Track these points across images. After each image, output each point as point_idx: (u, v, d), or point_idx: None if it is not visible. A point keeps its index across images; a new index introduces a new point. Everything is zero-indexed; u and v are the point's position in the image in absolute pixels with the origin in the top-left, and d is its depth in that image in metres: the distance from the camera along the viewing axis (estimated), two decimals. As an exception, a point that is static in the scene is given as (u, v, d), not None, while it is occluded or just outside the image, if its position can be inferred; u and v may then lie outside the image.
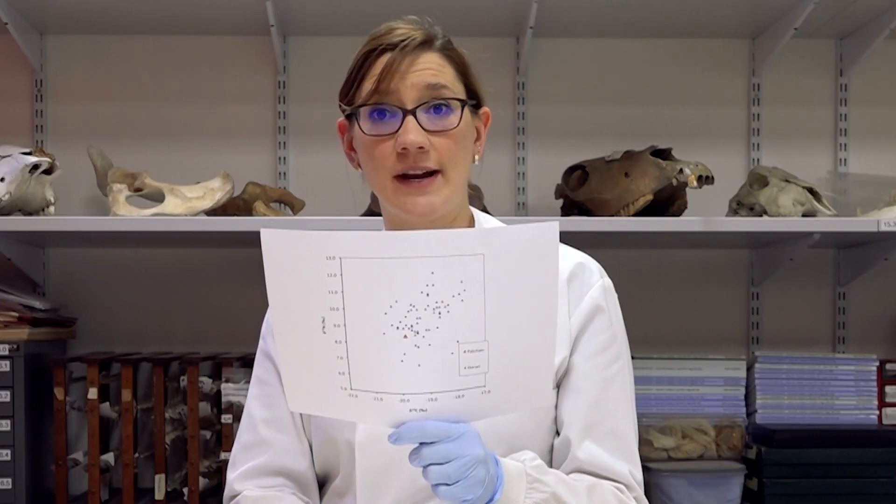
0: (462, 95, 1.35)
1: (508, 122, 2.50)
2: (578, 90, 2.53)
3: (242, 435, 1.44)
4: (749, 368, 2.39)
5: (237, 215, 2.28)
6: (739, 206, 2.31)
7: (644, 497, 1.35)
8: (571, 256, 1.40)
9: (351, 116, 1.36)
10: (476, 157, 1.40)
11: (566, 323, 1.35)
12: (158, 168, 2.33)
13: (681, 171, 2.16)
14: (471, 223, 1.42)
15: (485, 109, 1.41)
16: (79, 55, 2.50)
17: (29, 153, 2.19)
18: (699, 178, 2.15)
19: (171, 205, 2.18)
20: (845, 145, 2.54)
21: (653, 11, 2.36)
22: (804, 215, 2.22)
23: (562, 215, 2.37)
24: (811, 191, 2.24)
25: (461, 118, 1.33)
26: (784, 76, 2.54)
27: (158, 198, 2.22)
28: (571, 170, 2.37)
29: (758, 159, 2.52)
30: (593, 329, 1.36)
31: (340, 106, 1.39)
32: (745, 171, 2.50)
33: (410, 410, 1.13)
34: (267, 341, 1.45)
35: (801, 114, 2.55)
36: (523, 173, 2.51)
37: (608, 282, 1.40)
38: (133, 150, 2.45)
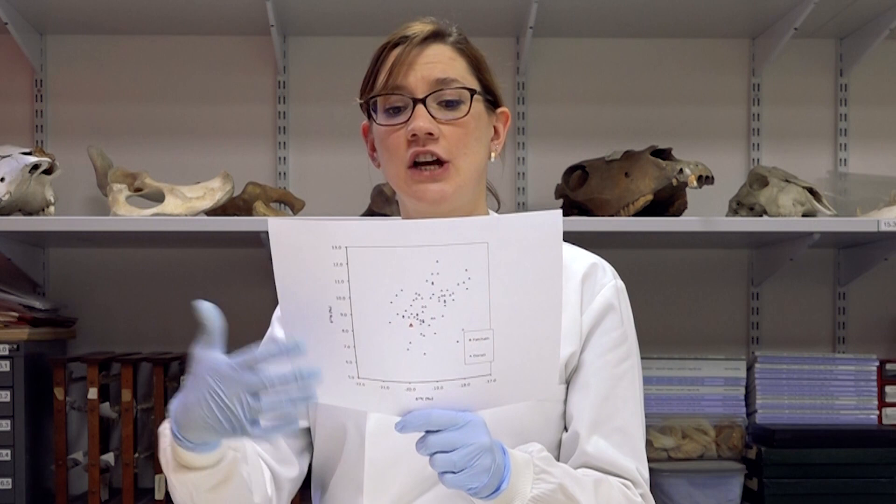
0: (474, 87, 1.37)
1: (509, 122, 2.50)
2: (578, 90, 2.54)
3: None
4: (749, 368, 2.39)
5: (237, 215, 2.28)
6: (739, 206, 2.31)
7: (650, 494, 1.37)
8: (585, 257, 1.42)
9: (369, 113, 1.39)
10: (493, 154, 1.42)
11: (578, 319, 1.36)
12: (158, 168, 2.33)
13: (681, 171, 2.16)
14: None
15: (503, 109, 1.43)
16: (79, 55, 2.50)
17: (29, 153, 2.19)
18: (699, 178, 2.15)
19: (171, 205, 2.18)
20: (845, 145, 2.54)
21: (653, 11, 2.36)
22: (804, 215, 2.22)
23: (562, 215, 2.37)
24: (811, 191, 2.24)
25: (470, 107, 1.35)
26: (784, 76, 2.54)
27: (158, 198, 2.22)
28: (571, 170, 2.37)
29: (758, 159, 2.53)
30: (604, 327, 1.37)
31: (359, 101, 1.42)
32: (745, 171, 2.50)
33: (417, 399, 1.14)
34: (275, 328, 1.46)
35: (801, 114, 2.55)
36: (523, 173, 2.52)
37: (621, 283, 1.42)
38: (133, 150, 2.45)
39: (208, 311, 1.19)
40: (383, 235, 1.09)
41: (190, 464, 1.23)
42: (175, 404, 1.20)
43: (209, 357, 1.16)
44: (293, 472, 1.42)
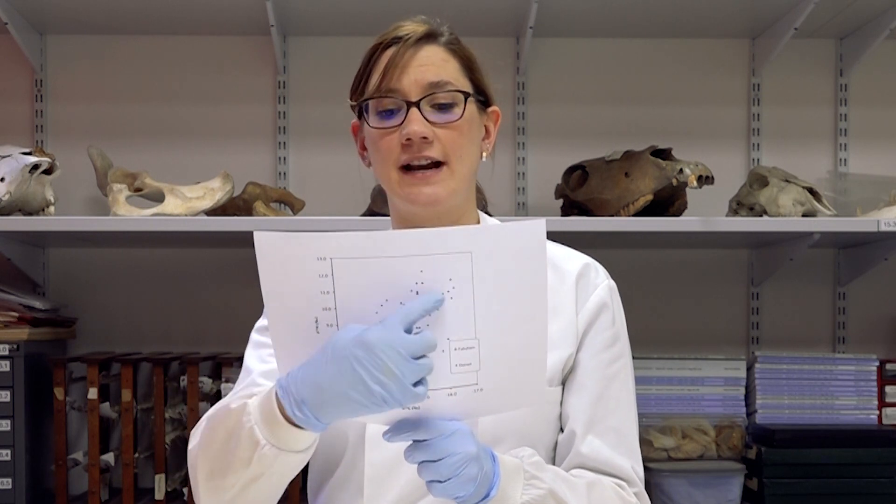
0: (467, 89, 1.36)
1: (508, 122, 2.50)
2: (578, 90, 2.54)
3: (237, 387, 1.41)
4: (749, 368, 2.39)
5: (237, 215, 2.28)
6: (739, 206, 2.31)
7: (645, 492, 1.37)
8: (578, 258, 1.42)
9: (361, 114, 1.38)
10: (485, 154, 1.42)
11: (574, 321, 1.37)
12: (158, 168, 2.33)
13: (681, 171, 2.16)
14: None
15: (494, 108, 1.43)
16: (79, 55, 2.50)
17: (29, 153, 2.19)
18: (699, 178, 2.15)
19: (171, 205, 2.18)
20: (845, 145, 2.54)
21: (653, 11, 2.36)
22: (804, 215, 2.22)
23: (562, 215, 2.37)
24: (811, 191, 2.24)
25: (464, 110, 1.34)
26: (784, 76, 2.54)
27: (158, 198, 2.22)
28: (571, 170, 2.37)
29: (758, 159, 2.53)
30: (598, 327, 1.38)
31: (350, 103, 1.41)
32: (745, 171, 2.50)
33: (404, 408, 1.14)
34: (258, 341, 1.46)
35: (801, 114, 2.55)
36: (523, 173, 2.52)
37: (613, 283, 1.43)
38: (133, 150, 2.45)
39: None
40: (367, 246, 1.10)
41: (297, 446, 1.18)
42: (300, 383, 1.13)
43: (349, 327, 1.11)
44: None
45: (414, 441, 1.15)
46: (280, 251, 1.13)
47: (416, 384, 1.10)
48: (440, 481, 1.14)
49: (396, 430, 1.15)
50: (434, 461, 1.14)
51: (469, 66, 1.38)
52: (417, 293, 1.10)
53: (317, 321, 1.13)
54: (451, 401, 1.15)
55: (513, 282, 1.12)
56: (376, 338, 1.08)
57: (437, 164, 1.33)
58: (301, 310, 1.13)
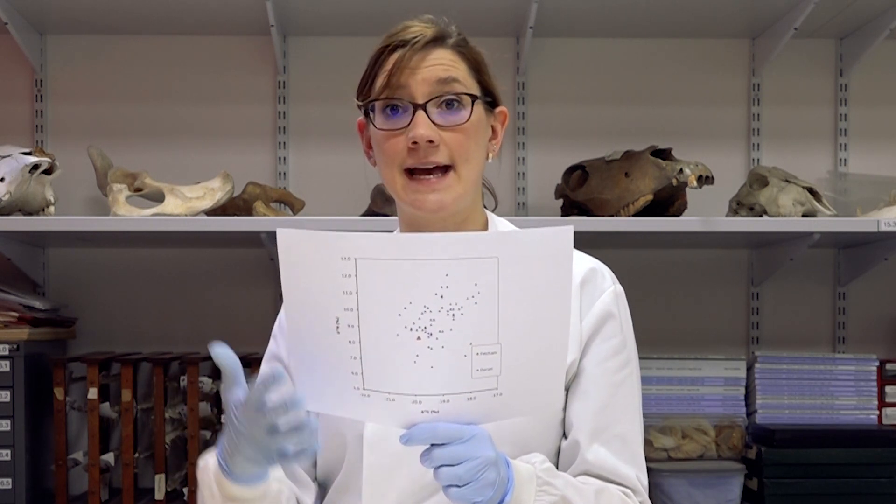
0: (475, 91, 1.35)
1: (509, 122, 2.49)
2: (578, 90, 2.54)
3: None
4: (749, 368, 2.39)
5: (237, 215, 2.28)
6: (739, 206, 2.31)
7: (649, 501, 1.36)
8: (584, 261, 1.40)
9: (367, 113, 1.37)
10: (491, 155, 1.41)
11: (577, 326, 1.35)
12: (158, 168, 2.33)
13: (681, 171, 2.16)
14: (484, 225, 1.43)
15: (501, 108, 1.42)
16: (79, 55, 2.50)
17: (29, 153, 2.19)
18: (699, 178, 2.15)
19: (171, 205, 2.18)
20: (845, 145, 2.54)
21: (653, 11, 2.36)
22: (804, 215, 2.22)
23: (561, 215, 2.37)
24: (811, 191, 2.24)
25: (472, 112, 1.33)
26: (784, 76, 2.54)
27: (158, 198, 2.22)
28: (571, 170, 2.37)
29: (758, 159, 2.53)
30: (604, 334, 1.37)
31: (357, 103, 1.40)
32: (745, 171, 2.50)
33: (422, 412, 1.13)
34: (278, 342, 1.45)
35: (801, 114, 2.55)
36: (523, 173, 2.52)
37: (619, 288, 1.41)
38: (133, 150, 2.45)
39: (221, 355, 1.18)
40: (393, 248, 1.09)
41: (238, 496, 1.24)
42: (220, 443, 1.23)
43: (229, 399, 1.19)
44: (311, 494, 1.43)
45: (431, 445, 1.14)
46: (303, 249, 1.12)
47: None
48: (458, 486, 1.13)
49: (414, 434, 1.13)
50: (452, 465, 1.13)
51: (477, 68, 1.37)
52: (442, 297, 1.09)
53: (338, 321, 1.12)
54: (470, 405, 1.13)
55: (537, 288, 1.11)
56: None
57: (443, 169, 1.32)
58: (322, 308, 1.12)
